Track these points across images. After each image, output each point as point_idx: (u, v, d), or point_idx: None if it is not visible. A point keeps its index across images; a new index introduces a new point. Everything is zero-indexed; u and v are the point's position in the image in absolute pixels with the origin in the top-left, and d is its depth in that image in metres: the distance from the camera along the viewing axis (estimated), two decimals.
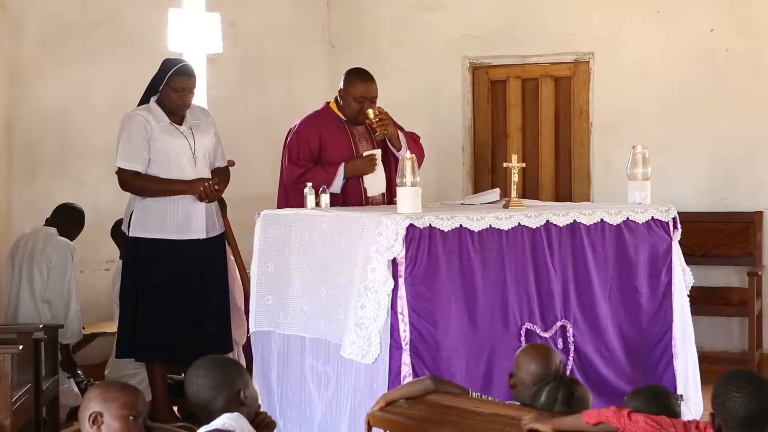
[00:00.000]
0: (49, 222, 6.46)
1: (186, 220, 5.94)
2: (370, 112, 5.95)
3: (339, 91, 6.16)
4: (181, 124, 5.95)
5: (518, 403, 4.03)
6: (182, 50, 7.75)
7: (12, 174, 7.04)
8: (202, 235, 5.98)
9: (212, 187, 5.90)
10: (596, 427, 3.36)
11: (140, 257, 5.92)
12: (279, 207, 5.99)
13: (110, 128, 7.42)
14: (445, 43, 8.19)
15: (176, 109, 5.94)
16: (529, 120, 8.10)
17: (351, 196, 6.01)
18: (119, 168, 5.89)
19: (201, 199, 5.91)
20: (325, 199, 5.71)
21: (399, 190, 5.08)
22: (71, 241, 6.44)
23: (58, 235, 6.35)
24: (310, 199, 5.69)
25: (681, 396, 5.22)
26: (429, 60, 8.21)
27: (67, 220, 6.49)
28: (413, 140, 6.17)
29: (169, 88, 5.88)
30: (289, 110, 8.15)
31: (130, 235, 5.96)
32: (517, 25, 8.00)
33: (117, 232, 6.71)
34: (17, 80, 7.04)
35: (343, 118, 6.15)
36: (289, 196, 6.00)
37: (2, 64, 6.99)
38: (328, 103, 6.24)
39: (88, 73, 7.36)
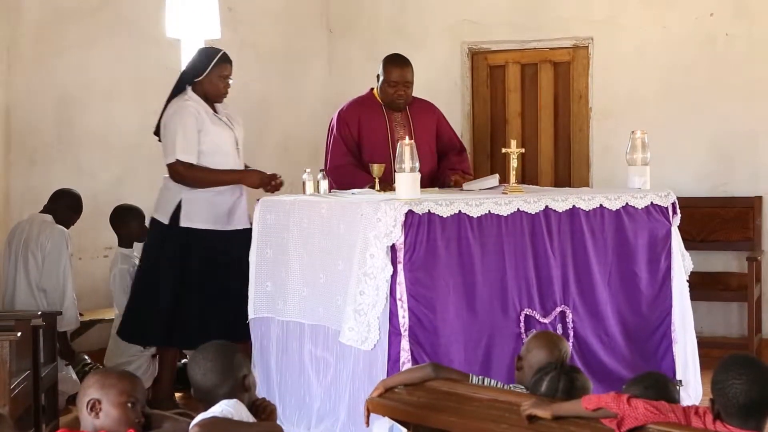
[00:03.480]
0: (45, 208, 6.44)
1: (231, 211, 6.01)
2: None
3: (377, 77, 6.34)
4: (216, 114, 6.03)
5: (520, 387, 4.03)
6: (180, 36, 7.74)
7: (10, 160, 7.03)
8: (245, 225, 6.02)
9: (275, 178, 5.96)
10: (596, 413, 3.36)
11: (190, 248, 5.95)
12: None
13: (108, 114, 7.45)
14: (443, 29, 8.17)
15: (217, 97, 6.00)
16: (528, 105, 8.08)
17: None
18: (177, 160, 5.89)
19: (267, 190, 5.96)
20: (323, 185, 5.71)
21: (398, 176, 5.07)
22: (69, 227, 6.42)
23: (54, 222, 6.33)
24: (309, 185, 5.69)
25: (680, 381, 5.25)
26: (428, 45, 8.18)
27: (64, 205, 6.47)
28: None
29: (216, 75, 5.94)
30: (288, 96, 8.16)
31: (181, 225, 5.96)
32: (516, 10, 7.98)
33: (116, 219, 6.70)
34: (15, 66, 7.02)
35: (383, 104, 6.32)
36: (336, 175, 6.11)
37: (0, 49, 6.97)
38: (372, 89, 6.42)
39: (86, 58, 7.34)
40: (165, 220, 6.01)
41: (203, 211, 5.95)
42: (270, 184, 5.98)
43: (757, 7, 7.39)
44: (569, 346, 5.15)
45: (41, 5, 7.16)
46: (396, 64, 6.30)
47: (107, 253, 7.20)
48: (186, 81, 6.01)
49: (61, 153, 7.27)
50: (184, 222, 5.95)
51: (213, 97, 5.98)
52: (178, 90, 6.03)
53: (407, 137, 5.32)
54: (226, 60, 5.98)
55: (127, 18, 7.52)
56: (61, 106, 7.28)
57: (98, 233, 7.14)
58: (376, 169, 5.86)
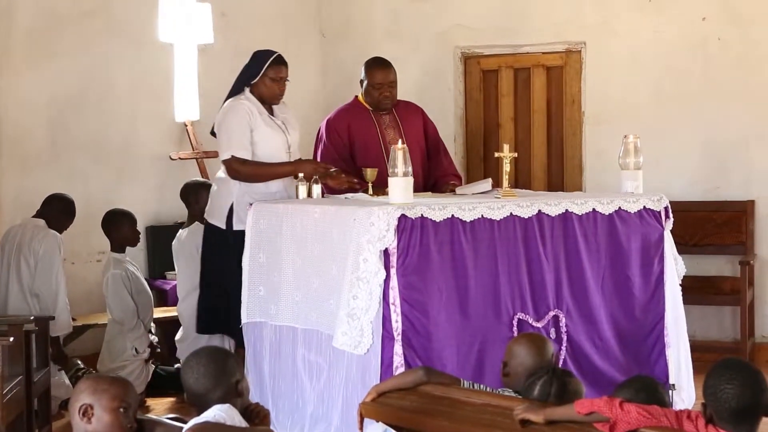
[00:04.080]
0: (38, 213, 6.43)
1: None
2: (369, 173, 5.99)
3: (360, 82, 6.37)
4: (272, 116, 6.03)
5: (510, 391, 4.03)
6: (173, 40, 7.74)
7: (2, 165, 7.01)
8: None
9: (322, 168, 5.90)
10: (588, 417, 3.36)
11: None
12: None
13: (101, 119, 7.43)
14: (436, 33, 8.17)
15: (272, 99, 6.03)
16: (521, 110, 8.08)
17: None
18: (232, 156, 5.89)
19: (322, 181, 5.88)
20: (316, 189, 5.71)
21: (390, 181, 5.08)
22: (62, 231, 6.41)
23: (47, 227, 6.32)
24: (302, 190, 5.68)
25: (673, 385, 5.25)
26: (421, 50, 8.19)
27: (57, 210, 6.46)
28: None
29: (268, 78, 5.97)
30: None
31: (235, 229, 5.93)
32: (508, 14, 7.98)
33: (108, 223, 6.69)
34: (7, 70, 7.00)
35: (370, 108, 6.34)
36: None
37: None
38: (357, 96, 6.44)
39: (78, 63, 7.33)
40: (222, 225, 6.02)
41: None
42: (324, 173, 5.90)
43: (749, 11, 7.41)
44: (560, 347, 5.18)
45: (34, 10, 7.15)
46: (378, 66, 6.35)
47: (100, 258, 7.19)
48: (243, 83, 6.04)
49: (53, 158, 7.26)
50: (237, 225, 5.94)
51: (268, 99, 6.02)
52: (234, 92, 6.06)
53: (399, 141, 5.34)
54: (280, 62, 6.01)
55: (120, 23, 7.51)
56: (53, 110, 7.26)
57: (91, 238, 7.13)
58: (369, 173, 5.86)
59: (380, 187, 5.76)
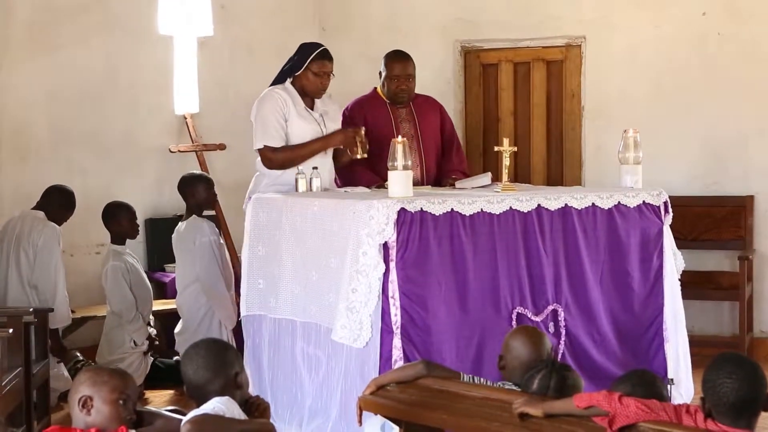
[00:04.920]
0: (38, 205, 6.43)
1: None
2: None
3: (379, 74, 6.39)
4: (312, 109, 5.99)
5: (509, 384, 4.03)
6: (173, 33, 7.73)
7: (1, 157, 7.01)
8: None
9: (360, 133, 5.87)
10: (587, 411, 3.36)
11: None
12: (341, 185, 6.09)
13: (101, 111, 7.44)
14: (436, 27, 8.17)
15: (314, 93, 5.97)
16: (521, 104, 8.08)
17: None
18: (264, 146, 5.86)
19: (352, 153, 5.88)
20: (316, 183, 5.70)
21: (390, 174, 5.07)
22: (62, 223, 6.41)
23: (46, 219, 6.32)
24: (302, 183, 5.68)
25: (671, 380, 5.26)
26: (420, 43, 8.17)
27: (57, 202, 6.46)
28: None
29: (310, 71, 5.91)
30: None
31: None
32: (509, 8, 7.98)
33: (107, 216, 6.69)
34: (6, 64, 7.01)
35: (387, 101, 6.36)
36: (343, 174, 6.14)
37: None
38: (376, 88, 6.46)
39: (77, 56, 7.33)
40: None
41: None
42: (354, 140, 5.86)
43: (748, 6, 7.41)
44: (558, 342, 5.18)
45: (33, 3, 7.15)
46: (397, 58, 6.37)
47: (99, 250, 7.20)
48: (286, 74, 6.00)
49: (53, 150, 7.26)
50: None
51: (310, 92, 5.97)
52: (276, 83, 6.02)
53: (399, 136, 5.33)
54: (324, 56, 5.94)
55: (120, 15, 7.51)
56: (53, 103, 7.26)
57: (90, 230, 7.14)
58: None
59: None
